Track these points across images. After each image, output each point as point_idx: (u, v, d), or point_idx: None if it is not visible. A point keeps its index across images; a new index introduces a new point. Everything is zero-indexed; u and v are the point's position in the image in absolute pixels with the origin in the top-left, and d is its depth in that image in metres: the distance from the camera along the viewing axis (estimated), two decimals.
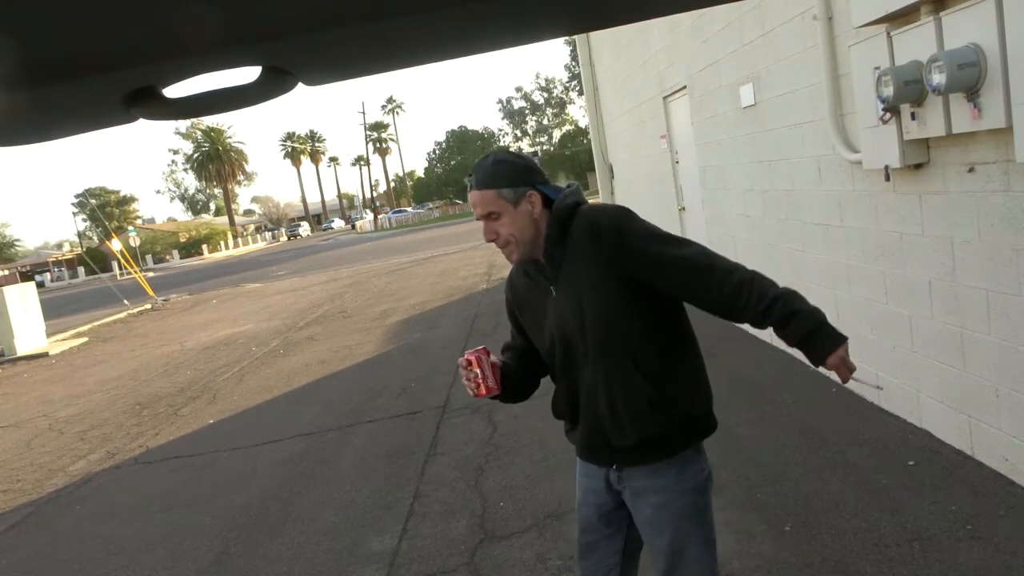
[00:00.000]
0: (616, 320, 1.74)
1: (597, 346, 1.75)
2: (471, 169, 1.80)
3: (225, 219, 67.32)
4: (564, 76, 61.95)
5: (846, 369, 1.71)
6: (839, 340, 1.70)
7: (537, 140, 61.89)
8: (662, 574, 1.82)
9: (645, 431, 1.75)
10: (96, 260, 31.64)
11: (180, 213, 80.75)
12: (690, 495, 1.78)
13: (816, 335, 1.69)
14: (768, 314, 1.69)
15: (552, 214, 1.77)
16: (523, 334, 1.97)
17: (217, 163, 63.80)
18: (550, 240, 1.77)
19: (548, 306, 1.82)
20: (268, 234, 71.37)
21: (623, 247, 1.71)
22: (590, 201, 1.88)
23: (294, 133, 71.14)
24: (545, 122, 61.62)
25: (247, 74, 0.52)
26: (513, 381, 1.93)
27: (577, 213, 1.77)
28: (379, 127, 70.04)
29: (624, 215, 1.77)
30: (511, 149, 58.95)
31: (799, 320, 1.68)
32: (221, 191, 69.11)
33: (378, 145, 70.84)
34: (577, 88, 51.98)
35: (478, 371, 1.81)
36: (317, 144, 72.44)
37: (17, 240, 66.55)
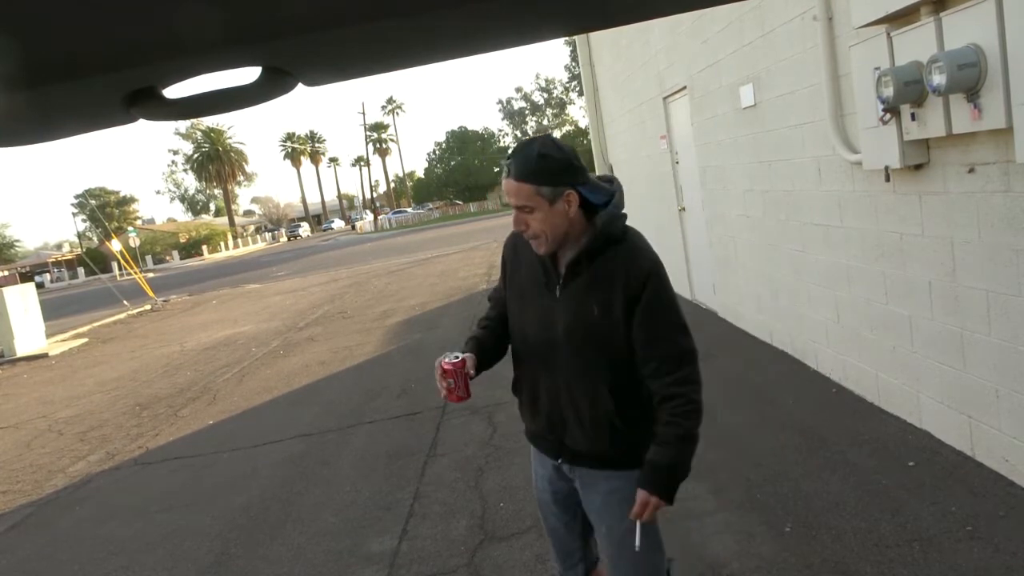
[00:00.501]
0: (608, 343, 1.78)
1: (582, 359, 1.80)
2: (512, 153, 1.75)
3: (225, 220, 67.33)
4: (564, 76, 62.08)
5: (641, 512, 1.76)
6: (663, 494, 1.75)
7: None
8: (609, 558, 1.92)
9: (600, 445, 1.84)
10: (96, 261, 31.64)
11: (180, 214, 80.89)
12: (626, 483, 1.83)
13: (657, 473, 1.75)
14: (663, 434, 1.76)
15: (600, 228, 1.76)
16: (501, 300, 2.02)
17: (217, 163, 63.81)
18: (587, 253, 1.78)
19: (546, 300, 1.85)
20: (268, 235, 71.37)
21: (645, 299, 1.75)
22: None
23: (294, 134, 71.18)
24: (545, 122, 61.66)
25: (247, 74, 0.52)
26: (487, 355, 1.97)
27: (619, 240, 1.79)
28: (379, 127, 70.07)
29: (663, 273, 1.80)
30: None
31: (664, 452, 1.75)
32: (221, 192, 69.14)
33: (378, 145, 70.87)
34: (577, 88, 52.01)
35: (452, 380, 1.86)
36: (317, 144, 72.45)
37: (17, 241, 66.58)
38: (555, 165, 1.72)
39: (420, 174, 72.19)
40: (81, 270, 48.33)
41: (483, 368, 1.96)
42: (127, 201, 72.99)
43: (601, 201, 1.78)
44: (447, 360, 1.87)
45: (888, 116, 3.24)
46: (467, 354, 1.92)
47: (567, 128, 59.82)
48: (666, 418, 1.75)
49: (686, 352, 1.78)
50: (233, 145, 65.95)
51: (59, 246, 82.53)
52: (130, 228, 42.77)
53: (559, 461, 1.95)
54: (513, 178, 1.72)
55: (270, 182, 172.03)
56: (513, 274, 1.96)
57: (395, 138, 71.93)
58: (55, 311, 19.90)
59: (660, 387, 1.76)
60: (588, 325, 1.78)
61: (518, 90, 77.74)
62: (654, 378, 1.77)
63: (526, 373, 1.96)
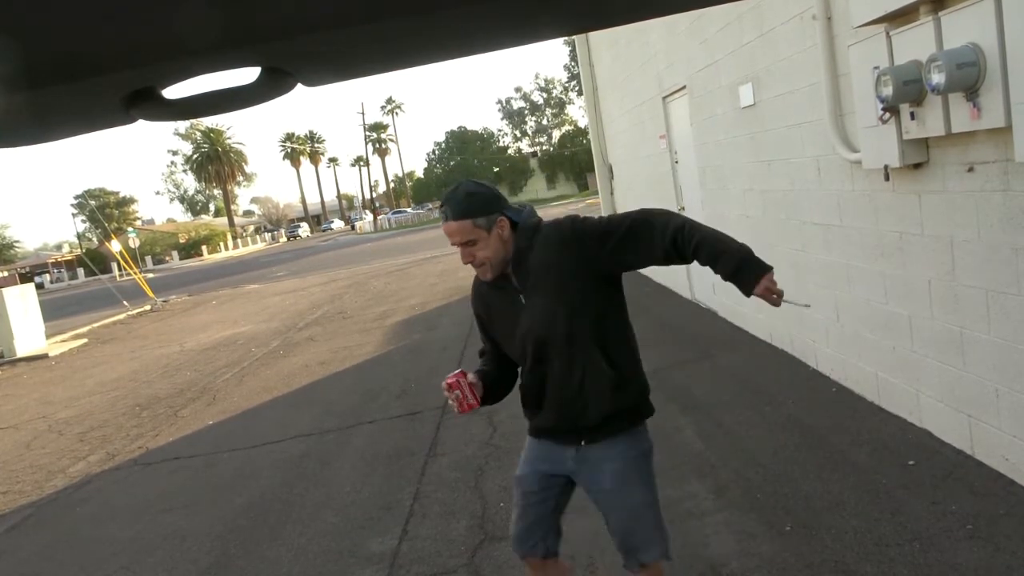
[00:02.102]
0: (583, 314, 2.00)
1: (568, 339, 2.00)
2: (443, 201, 1.99)
3: (224, 220, 67.31)
4: (563, 76, 62.03)
5: (773, 295, 1.88)
6: (764, 269, 1.89)
7: (536, 140, 61.93)
8: (620, 535, 2.11)
9: (608, 408, 2.04)
10: (95, 261, 31.62)
11: (180, 214, 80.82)
12: (641, 459, 2.10)
13: (743, 269, 1.90)
14: (698, 253, 1.93)
15: (519, 232, 2.03)
16: (492, 340, 2.21)
17: (216, 164, 63.79)
18: (520, 254, 2.02)
19: (518, 313, 2.06)
20: (268, 235, 71.36)
21: (585, 244, 1.99)
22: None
23: (293, 134, 71.09)
24: (544, 122, 61.66)
25: (246, 75, 0.52)
26: (493, 385, 2.19)
27: (540, 229, 2.05)
28: (378, 128, 70.01)
29: (577, 219, 2.06)
30: (511, 152, 59.06)
31: (727, 257, 1.91)
32: (220, 192, 69.12)
33: (377, 146, 70.82)
34: (576, 88, 52.01)
35: (458, 392, 2.05)
36: (316, 145, 72.40)
37: (17, 241, 66.52)
38: (482, 199, 1.98)
39: (420, 174, 72.14)
40: (81, 271, 48.32)
41: (487, 387, 2.15)
42: (127, 202, 72.97)
43: (521, 218, 2.04)
44: (449, 377, 2.06)
45: (887, 115, 3.24)
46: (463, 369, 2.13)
47: (566, 128, 59.84)
48: (693, 248, 1.92)
49: (642, 215, 2.01)
50: (232, 145, 65.95)
51: (59, 247, 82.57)
52: (130, 229, 42.77)
53: (578, 446, 2.10)
54: (452, 219, 1.96)
55: (270, 182, 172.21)
56: (490, 317, 2.17)
57: (394, 138, 71.88)
58: (55, 312, 19.89)
59: (667, 244, 1.94)
60: (562, 304, 1.99)
61: (517, 90, 77.72)
62: (661, 244, 1.95)
63: (532, 382, 2.12)
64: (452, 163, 62.25)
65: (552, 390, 2.07)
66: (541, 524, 2.19)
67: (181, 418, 6.55)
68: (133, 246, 32.00)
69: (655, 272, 9.27)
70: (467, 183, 2.02)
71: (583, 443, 2.09)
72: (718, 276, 1.93)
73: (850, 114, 3.80)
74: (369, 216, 61.07)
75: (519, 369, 2.18)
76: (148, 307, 17.70)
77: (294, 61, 0.51)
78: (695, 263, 1.97)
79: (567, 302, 1.99)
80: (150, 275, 31.62)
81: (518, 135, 62.60)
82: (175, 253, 54.42)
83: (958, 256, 3.14)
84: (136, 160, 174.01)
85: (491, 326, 2.19)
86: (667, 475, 3.69)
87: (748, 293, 1.89)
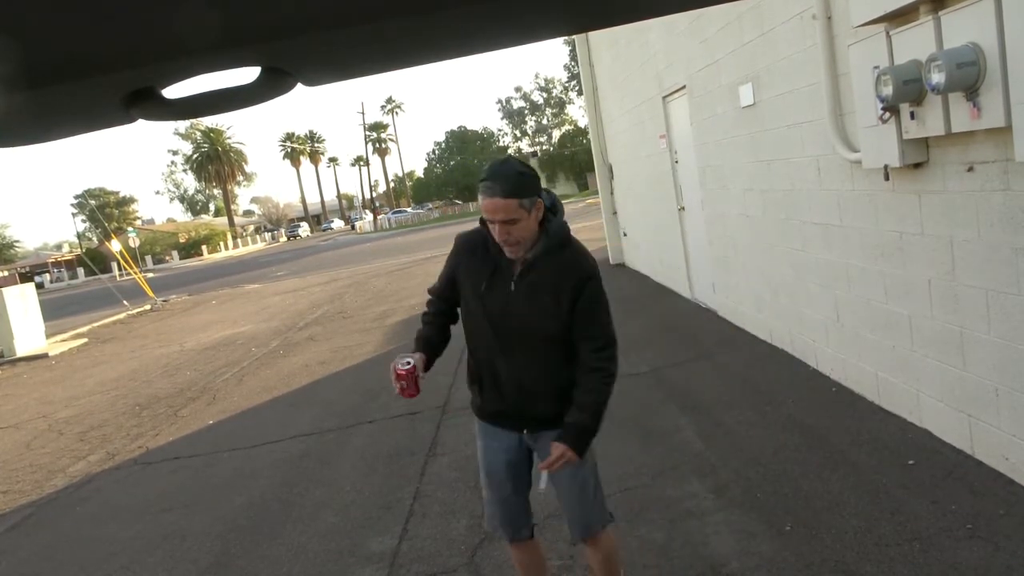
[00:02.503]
0: (557, 327, 2.12)
1: (536, 341, 2.15)
2: (490, 175, 2.00)
3: (224, 220, 67.30)
4: (563, 76, 62.00)
5: (552, 463, 2.08)
6: (578, 451, 2.09)
7: (536, 140, 61.89)
8: (573, 505, 2.29)
9: (554, 409, 2.18)
10: (95, 261, 31.62)
11: (180, 214, 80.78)
12: None
13: (577, 434, 2.10)
14: (583, 400, 2.13)
15: (551, 236, 2.10)
16: (450, 292, 2.29)
17: (216, 164, 63.78)
18: (544, 254, 2.10)
19: (504, 296, 2.14)
20: (268, 235, 71.34)
21: (585, 297, 2.12)
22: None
23: (293, 134, 71.08)
24: (544, 122, 61.62)
25: (246, 74, 0.52)
26: (434, 355, 2.31)
27: (569, 245, 2.16)
28: (378, 127, 70.00)
29: (599, 276, 2.18)
30: (511, 151, 59.12)
31: (582, 420, 2.11)
32: (220, 192, 69.09)
33: (377, 145, 70.82)
34: (576, 88, 51.98)
35: (404, 382, 2.17)
36: (316, 144, 72.39)
37: (16, 241, 66.54)
38: (530, 180, 2.03)
39: (419, 174, 72.15)
40: (81, 270, 48.29)
41: (433, 359, 2.30)
42: (127, 201, 72.96)
43: (553, 212, 2.13)
44: (400, 366, 2.17)
45: (887, 115, 3.24)
46: (418, 355, 2.22)
47: (566, 128, 59.81)
48: (589, 386, 2.13)
49: (612, 338, 2.16)
50: (232, 145, 65.93)
51: (59, 246, 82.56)
52: (130, 228, 42.75)
53: (524, 432, 2.26)
54: (500, 197, 1.97)
55: (269, 182, 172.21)
56: (468, 272, 2.21)
57: (394, 138, 71.89)
58: (55, 311, 19.89)
59: (590, 360, 2.13)
60: (542, 314, 2.11)
61: (517, 90, 77.74)
62: (588, 353, 2.13)
63: (485, 359, 2.23)
64: (452, 163, 62.23)
65: (508, 379, 2.19)
66: (522, 508, 2.36)
67: (181, 418, 6.55)
68: (133, 246, 31.99)
69: (655, 271, 9.27)
70: (514, 161, 2.06)
71: (525, 432, 2.26)
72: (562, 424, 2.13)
73: (850, 114, 3.80)
74: (369, 216, 61.07)
75: (471, 347, 2.27)
76: (148, 307, 17.70)
77: (294, 61, 0.51)
78: None
79: (553, 313, 2.11)
80: (150, 275, 31.62)
81: (518, 135, 62.56)
82: (175, 253, 54.40)
83: (958, 256, 3.14)
84: (136, 160, 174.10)
85: (463, 282, 2.23)
86: (667, 475, 3.69)
87: (559, 441, 2.09)
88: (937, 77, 2.70)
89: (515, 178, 1.98)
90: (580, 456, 2.09)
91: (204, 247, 56.34)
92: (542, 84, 61.59)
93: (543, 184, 2.13)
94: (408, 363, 2.17)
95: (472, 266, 2.20)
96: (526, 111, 61.76)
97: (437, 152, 65.44)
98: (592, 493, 2.29)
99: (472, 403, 2.38)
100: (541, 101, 61.34)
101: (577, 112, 58.63)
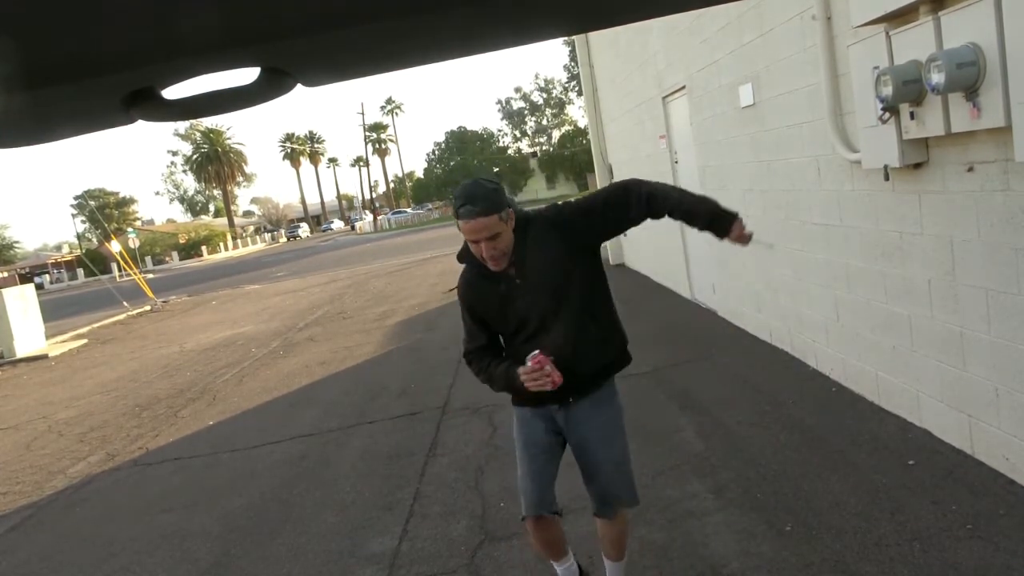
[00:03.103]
0: (575, 285, 2.25)
1: (562, 307, 2.24)
2: (467, 198, 2.09)
3: (224, 220, 67.30)
4: (563, 76, 62.01)
5: (744, 236, 2.19)
6: (733, 217, 2.20)
7: (536, 140, 61.90)
8: (603, 484, 2.37)
9: (599, 361, 2.32)
10: (95, 262, 31.60)
11: (179, 214, 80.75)
12: (621, 413, 2.40)
13: (715, 221, 2.21)
14: (673, 214, 2.24)
15: (516, 224, 2.20)
16: (484, 325, 2.35)
17: (216, 164, 63.77)
18: (518, 242, 2.20)
19: (515, 295, 2.24)
20: (267, 235, 71.32)
21: (572, 224, 2.24)
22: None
23: (293, 134, 71.08)
24: (544, 122, 61.61)
25: (246, 75, 0.51)
26: None
27: (531, 219, 2.26)
28: (378, 128, 69.97)
29: (560, 205, 2.32)
30: (511, 152, 59.15)
31: (700, 213, 2.22)
32: (220, 192, 69.08)
33: (377, 146, 70.79)
34: (576, 88, 51.99)
35: (548, 367, 2.15)
36: (316, 145, 72.39)
37: (16, 242, 66.44)
38: (501, 194, 2.15)
39: (419, 174, 72.09)
40: (80, 271, 48.29)
41: None
42: (126, 202, 72.90)
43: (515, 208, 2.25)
44: (530, 361, 2.16)
45: (887, 115, 3.24)
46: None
47: (566, 128, 59.80)
48: (668, 210, 2.23)
49: (616, 186, 2.30)
50: (232, 146, 65.92)
51: (58, 247, 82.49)
52: (129, 229, 42.75)
53: (567, 401, 2.33)
54: (483, 216, 2.08)
55: (269, 183, 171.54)
56: (484, 304, 2.32)
57: (394, 138, 71.86)
58: (55, 312, 19.89)
59: (643, 208, 2.23)
60: (560, 281, 2.23)
61: (517, 90, 77.64)
62: (637, 209, 2.23)
63: (526, 352, 2.24)
64: (452, 163, 62.18)
65: (559, 358, 2.21)
66: (551, 484, 2.39)
67: (181, 418, 6.55)
68: (133, 246, 31.99)
69: (655, 272, 9.27)
70: (480, 181, 2.16)
71: (571, 400, 2.33)
72: (693, 228, 2.25)
73: (850, 114, 3.80)
74: (369, 216, 61.03)
75: (513, 355, 2.32)
76: (148, 307, 17.70)
77: (294, 61, 0.51)
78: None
79: (563, 279, 2.23)
80: (150, 275, 31.62)
81: (518, 135, 62.55)
82: (175, 253, 54.39)
83: (958, 256, 3.14)
84: (136, 160, 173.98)
85: (487, 313, 2.32)
86: (667, 475, 3.69)
87: (722, 238, 2.20)
88: (937, 77, 2.70)
89: (490, 195, 2.10)
90: (733, 221, 2.19)
91: (204, 248, 56.33)
92: (542, 84, 61.65)
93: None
94: (535, 353, 2.17)
95: (481, 296, 2.31)
96: (526, 111, 61.75)
97: (437, 152, 65.40)
98: (627, 467, 2.38)
99: (514, 400, 2.44)
100: (541, 101, 61.35)
101: (577, 112, 58.67)
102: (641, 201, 2.22)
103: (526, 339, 2.28)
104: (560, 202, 2.34)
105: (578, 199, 2.34)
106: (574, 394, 2.32)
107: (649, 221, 2.29)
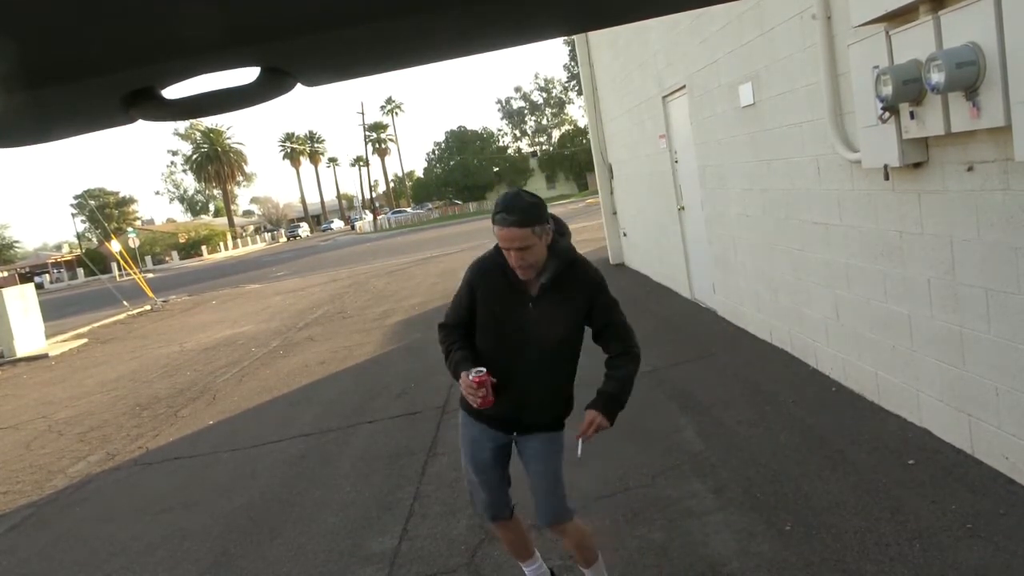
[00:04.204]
0: (569, 342, 2.38)
1: (550, 354, 2.36)
2: (504, 207, 2.18)
3: (224, 220, 67.27)
4: (563, 76, 62.01)
5: (587, 428, 2.31)
6: (608, 417, 2.33)
7: (536, 140, 61.90)
8: (545, 492, 2.46)
9: (554, 414, 2.45)
10: (95, 261, 31.60)
11: (179, 214, 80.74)
12: (560, 443, 2.50)
13: (609, 403, 2.34)
14: (608, 362, 2.41)
15: (560, 256, 2.30)
16: (472, 312, 2.42)
17: (216, 164, 63.75)
18: (555, 276, 2.29)
19: (523, 316, 2.33)
20: (267, 235, 71.31)
21: (599, 303, 2.37)
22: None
23: (293, 134, 71.03)
24: (544, 122, 61.62)
25: (246, 75, 0.51)
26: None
27: (576, 263, 2.36)
28: (378, 127, 69.92)
29: (605, 281, 2.43)
30: (510, 151, 59.02)
31: (610, 387, 2.37)
32: (220, 192, 69.06)
33: (377, 146, 70.74)
34: (576, 88, 51.99)
35: (485, 390, 2.24)
36: (316, 145, 72.34)
37: (16, 241, 66.37)
38: (541, 209, 2.23)
39: (419, 174, 72.06)
40: (80, 271, 48.27)
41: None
42: (126, 202, 72.89)
43: (558, 234, 2.32)
44: (474, 375, 2.24)
45: (887, 115, 3.24)
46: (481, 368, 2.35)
47: (566, 128, 59.80)
48: (619, 363, 2.38)
49: (629, 326, 2.44)
50: (232, 145, 65.89)
51: (58, 247, 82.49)
52: (129, 229, 42.73)
53: (514, 435, 2.47)
54: (516, 227, 2.16)
55: (269, 182, 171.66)
56: (485, 297, 2.39)
57: (394, 138, 71.82)
58: (55, 312, 19.89)
59: (617, 348, 2.40)
60: (560, 331, 2.34)
61: (517, 90, 77.64)
62: (614, 344, 2.40)
63: (500, 369, 2.33)
64: (452, 163, 62.19)
65: (515, 389, 2.35)
66: (503, 490, 2.55)
67: (181, 418, 6.55)
68: (133, 246, 31.96)
69: (655, 271, 9.27)
70: (521, 193, 2.24)
71: (515, 434, 2.47)
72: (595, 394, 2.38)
73: (850, 113, 3.80)
74: (369, 216, 61.00)
75: (483, 360, 2.39)
76: (148, 307, 17.70)
77: (294, 61, 0.51)
78: None
79: (566, 334, 2.35)
80: (150, 275, 31.62)
81: (518, 135, 62.54)
82: (175, 253, 54.38)
83: (958, 255, 3.14)
84: (136, 160, 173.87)
85: (482, 306, 2.40)
86: (667, 475, 3.69)
87: (588, 422, 2.32)
88: (937, 77, 2.70)
89: (527, 208, 2.18)
90: (611, 423, 2.31)
91: (204, 247, 56.33)
92: (542, 84, 61.63)
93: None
94: (482, 371, 2.25)
95: (490, 288, 2.38)
96: (526, 111, 61.75)
97: (437, 152, 65.36)
98: (561, 486, 2.49)
99: (462, 401, 2.52)
100: (541, 101, 61.35)
101: (577, 112, 58.69)
102: (613, 349, 2.41)
103: (496, 348, 2.37)
104: (602, 274, 2.44)
105: (615, 302, 2.43)
106: (519, 431, 2.46)
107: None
